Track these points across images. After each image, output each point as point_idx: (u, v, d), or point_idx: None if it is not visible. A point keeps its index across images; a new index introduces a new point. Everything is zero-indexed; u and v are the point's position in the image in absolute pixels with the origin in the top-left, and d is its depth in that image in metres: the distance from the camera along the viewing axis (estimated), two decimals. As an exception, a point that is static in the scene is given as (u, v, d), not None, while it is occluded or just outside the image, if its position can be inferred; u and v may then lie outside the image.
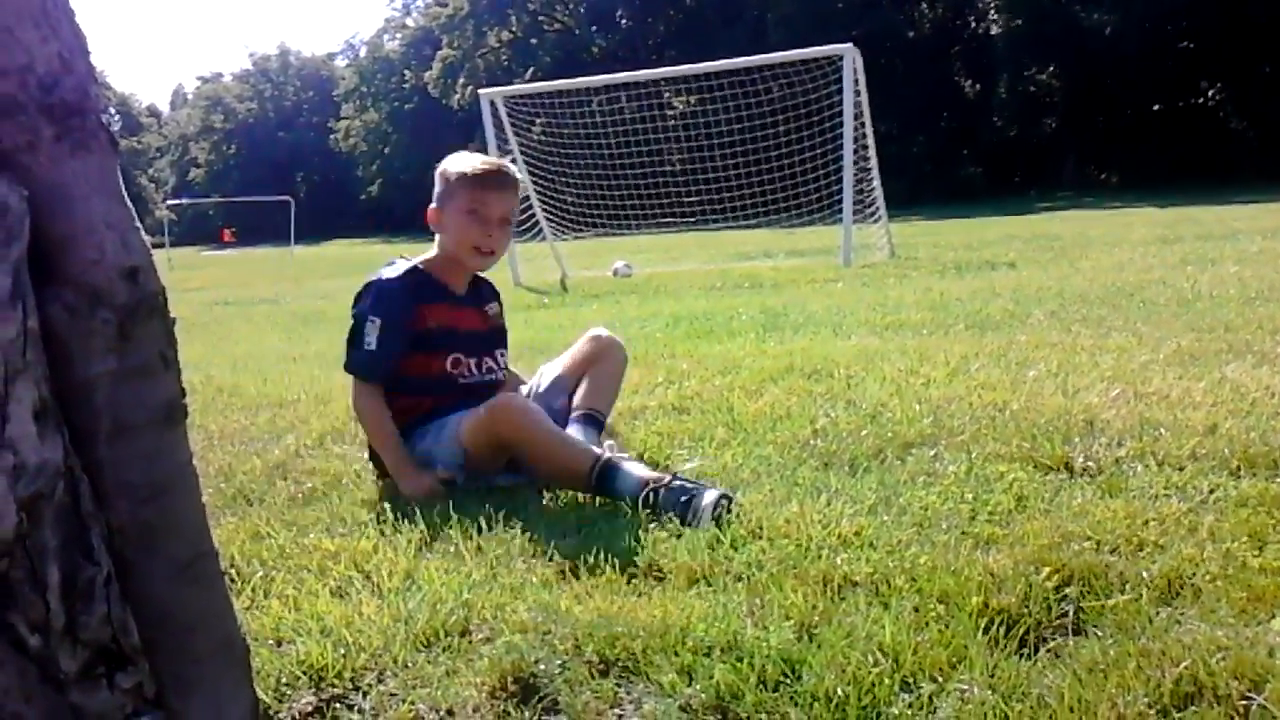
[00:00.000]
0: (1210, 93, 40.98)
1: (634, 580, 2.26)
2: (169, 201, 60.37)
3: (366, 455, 3.37)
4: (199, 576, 1.15)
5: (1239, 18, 36.19)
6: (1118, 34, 38.76)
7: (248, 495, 3.17)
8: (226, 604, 1.22)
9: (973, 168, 44.63)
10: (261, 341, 7.74)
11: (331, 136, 79.65)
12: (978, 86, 46.88)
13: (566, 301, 9.72)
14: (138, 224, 1.07)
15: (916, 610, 2.00)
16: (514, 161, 13.04)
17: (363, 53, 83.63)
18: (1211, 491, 2.57)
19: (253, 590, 2.35)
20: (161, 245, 38.62)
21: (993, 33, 45.66)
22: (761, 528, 2.49)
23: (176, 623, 1.13)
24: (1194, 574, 2.08)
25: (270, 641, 2.07)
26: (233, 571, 2.46)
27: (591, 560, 2.36)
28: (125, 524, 1.07)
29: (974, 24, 47.43)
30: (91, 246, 1.01)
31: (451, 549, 2.52)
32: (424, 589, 2.26)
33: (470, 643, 2.01)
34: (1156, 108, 41.30)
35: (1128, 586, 2.04)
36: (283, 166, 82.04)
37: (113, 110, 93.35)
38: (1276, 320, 5.06)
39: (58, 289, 1.01)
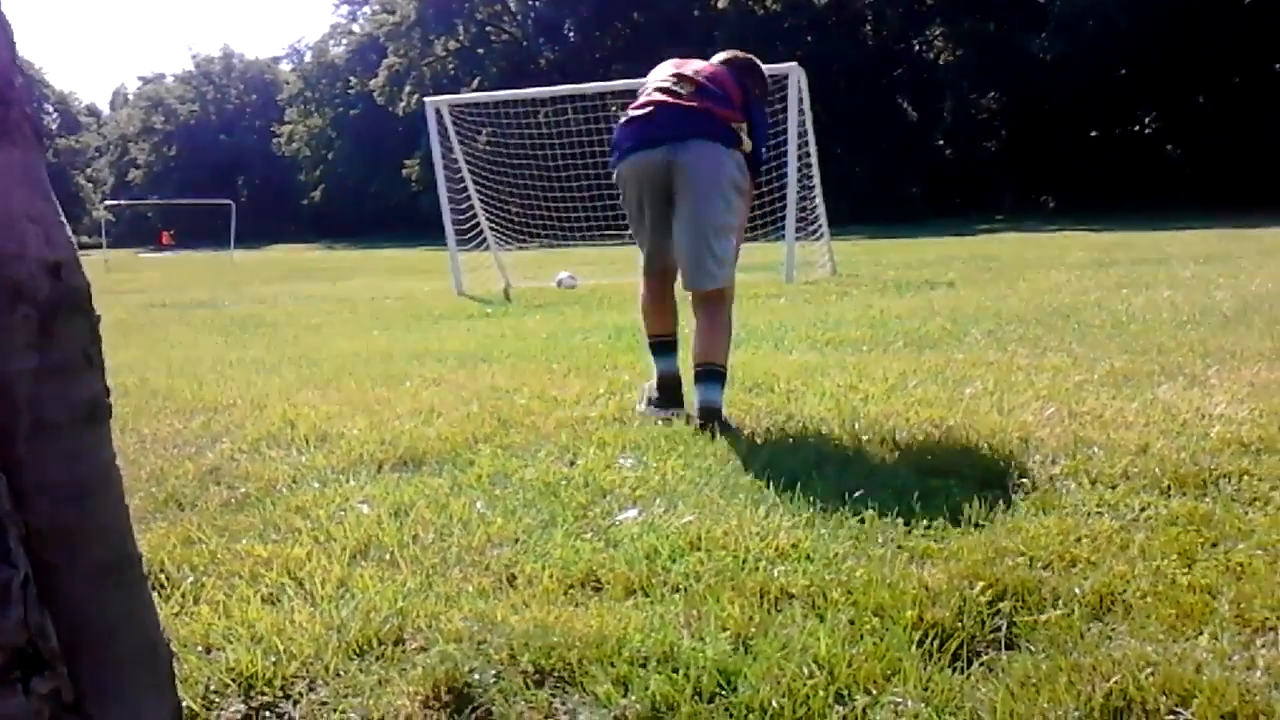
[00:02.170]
0: (1147, 120, 41.83)
1: (571, 590, 2.25)
2: (107, 202, 59.40)
3: None
4: (121, 580, 1.12)
5: (1177, 49, 37.00)
6: (1059, 61, 39.42)
7: (179, 500, 3.11)
8: (149, 609, 1.18)
9: (914, 189, 45.08)
10: (198, 345, 7.62)
11: (274, 140, 78.75)
12: (920, 109, 47.44)
13: (510, 311, 9.67)
14: (62, 218, 1.04)
15: (852, 623, 2.00)
16: (458, 172, 12.99)
17: (308, 57, 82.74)
18: (1143, 510, 2.61)
19: (182, 596, 2.31)
20: (99, 246, 38.01)
21: (936, 57, 46.27)
22: (700, 539, 2.49)
23: (96, 627, 1.10)
24: (1125, 590, 2.10)
25: (199, 648, 2.03)
26: (162, 577, 2.41)
27: (529, 570, 2.34)
28: (45, 525, 1.04)
29: (918, 48, 48.00)
30: (13, 240, 0.98)
31: (386, 556, 2.49)
32: (357, 597, 2.23)
33: (404, 652, 1.98)
34: (1094, 134, 42.08)
35: (1060, 602, 2.07)
36: (224, 170, 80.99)
37: (50, 108, 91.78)
38: (1208, 344, 5.16)
39: (-23, 282, 0.98)
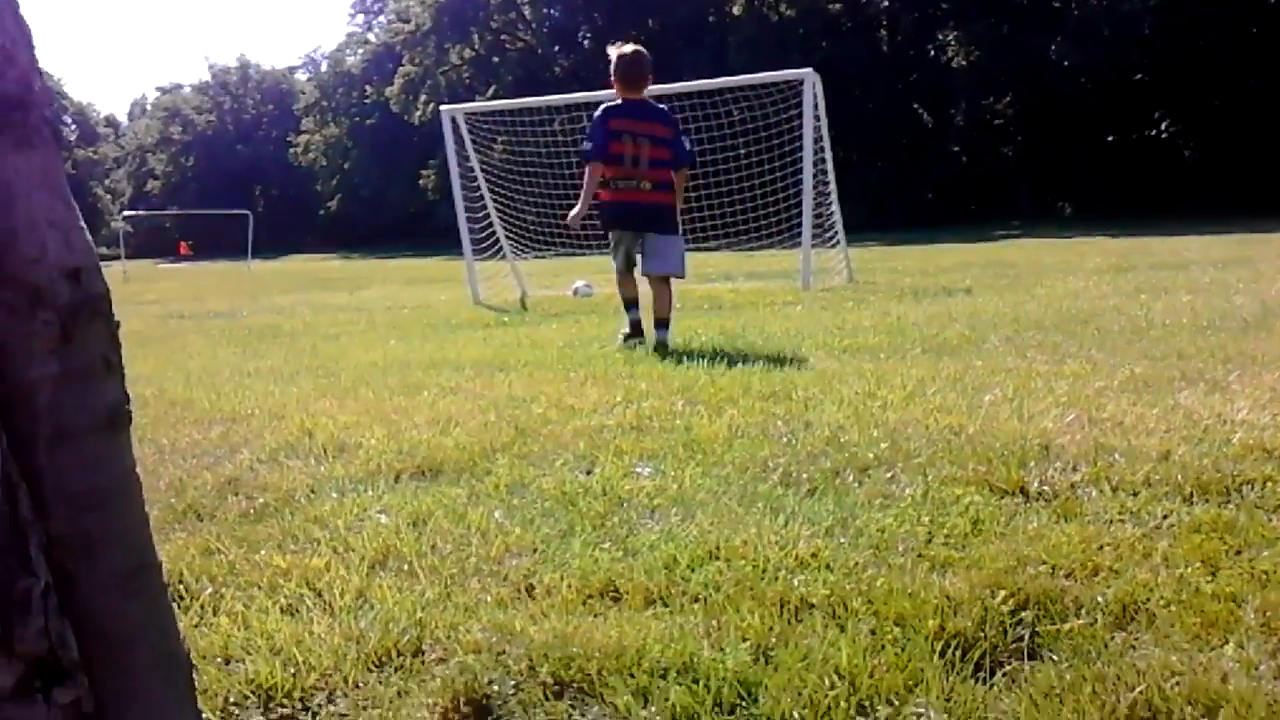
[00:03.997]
0: (1164, 125, 41.67)
1: (590, 600, 2.24)
2: (125, 213, 59.81)
3: None
4: (141, 589, 1.12)
5: (1193, 52, 36.91)
6: (1074, 66, 39.36)
7: (198, 510, 3.12)
8: (169, 618, 1.18)
9: (930, 194, 45.00)
10: (216, 355, 7.64)
11: (291, 150, 79.17)
12: (935, 114, 47.39)
13: (526, 320, 9.68)
14: (82, 223, 1.04)
15: (873, 633, 1.99)
16: (474, 180, 13.02)
17: (324, 67, 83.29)
18: (1165, 517, 2.58)
19: (201, 607, 2.31)
20: (117, 257, 38.22)
21: (951, 62, 46.21)
22: (719, 548, 2.47)
23: (117, 636, 1.09)
24: (1148, 599, 2.08)
25: (218, 660, 2.03)
26: (181, 588, 2.41)
27: (547, 580, 2.34)
28: (65, 533, 1.04)
29: (932, 53, 47.95)
30: (33, 244, 0.98)
31: (405, 567, 2.49)
32: (376, 608, 2.22)
33: (423, 663, 1.98)
34: (1111, 139, 41.95)
35: (1083, 611, 2.05)
36: (241, 180, 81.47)
37: (69, 119, 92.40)
38: (1228, 349, 5.13)
39: (-3, 288, 0.97)
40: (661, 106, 6.93)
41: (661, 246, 6.57)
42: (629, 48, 6.72)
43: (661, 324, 6.46)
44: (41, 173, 1.00)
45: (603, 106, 6.69)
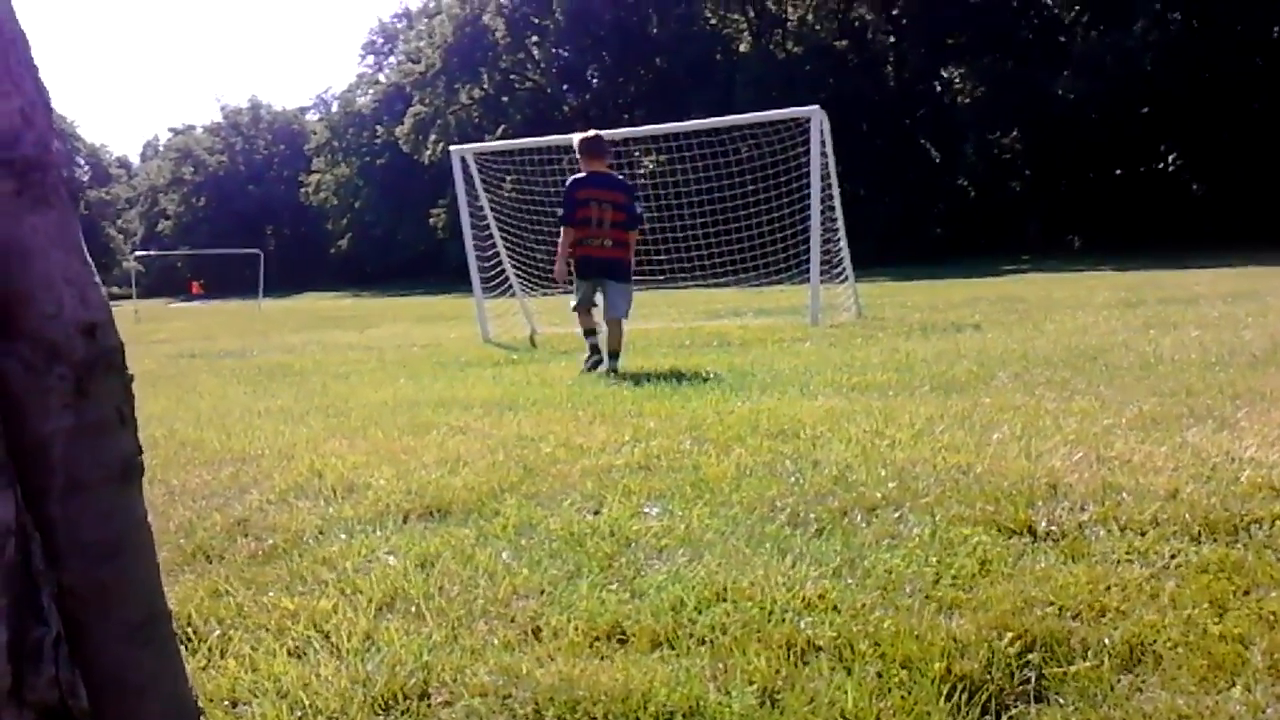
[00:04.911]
0: (1171, 158, 41.73)
1: (597, 643, 2.24)
2: (137, 253, 60.28)
3: None
4: (151, 638, 1.13)
5: (1198, 86, 37.01)
6: (1081, 100, 39.48)
7: (207, 552, 3.13)
8: (179, 666, 1.19)
9: (938, 229, 45.00)
10: (226, 395, 7.67)
11: (302, 190, 79.58)
12: (943, 149, 47.53)
13: (535, 358, 9.70)
14: (97, 279, 1.06)
15: (879, 675, 1.99)
16: (483, 218, 13.10)
17: (335, 107, 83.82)
18: (1173, 557, 2.58)
19: (209, 650, 2.32)
20: (129, 296, 38.44)
21: (958, 98, 46.41)
22: (726, 590, 2.48)
23: (127, 685, 1.10)
24: (1155, 641, 2.08)
25: (225, 703, 2.04)
26: (189, 630, 2.42)
27: (554, 622, 2.34)
28: (77, 584, 1.05)
29: (939, 89, 48.19)
30: (50, 301, 1.00)
31: (412, 609, 2.50)
32: (383, 650, 2.23)
33: (429, 706, 1.98)
34: (1119, 173, 42.02)
35: (1090, 653, 2.05)
36: (252, 219, 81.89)
37: (82, 161, 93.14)
38: (1237, 385, 5.12)
39: (14, 344, 0.99)
40: (619, 177, 8.67)
41: (615, 294, 8.02)
42: (591, 132, 8.57)
43: (613, 355, 7.86)
44: (58, 231, 1.02)
45: (571, 179, 8.23)
